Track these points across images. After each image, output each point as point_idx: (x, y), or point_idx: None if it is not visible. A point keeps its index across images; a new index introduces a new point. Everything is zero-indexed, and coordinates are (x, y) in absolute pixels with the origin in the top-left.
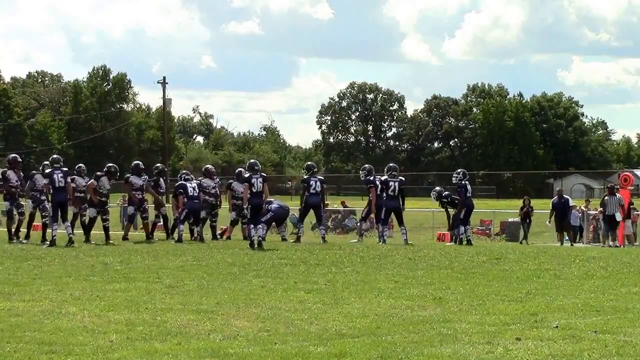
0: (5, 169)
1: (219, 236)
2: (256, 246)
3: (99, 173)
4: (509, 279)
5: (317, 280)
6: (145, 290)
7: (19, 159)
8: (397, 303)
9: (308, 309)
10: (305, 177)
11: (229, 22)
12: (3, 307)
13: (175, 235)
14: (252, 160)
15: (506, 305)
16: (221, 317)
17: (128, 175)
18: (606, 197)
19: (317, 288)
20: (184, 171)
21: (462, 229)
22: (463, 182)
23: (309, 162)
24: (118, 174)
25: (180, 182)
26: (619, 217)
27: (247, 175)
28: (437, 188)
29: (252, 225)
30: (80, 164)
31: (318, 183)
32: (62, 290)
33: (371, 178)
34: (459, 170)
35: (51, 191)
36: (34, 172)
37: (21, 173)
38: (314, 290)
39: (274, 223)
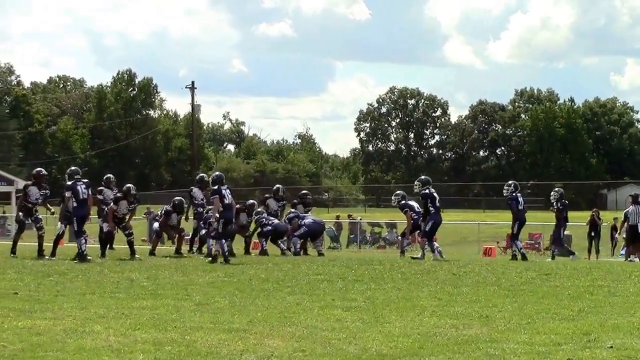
0: (29, 184)
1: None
2: (224, 261)
3: (119, 195)
4: (560, 296)
5: (356, 297)
6: (174, 308)
7: (44, 173)
8: (441, 322)
9: (346, 328)
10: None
11: (259, 23)
12: (24, 325)
13: (204, 249)
14: (218, 173)
15: (557, 324)
16: (254, 337)
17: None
18: (631, 207)
19: (356, 306)
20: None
21: (518, 244)
22: (514, 194)
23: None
24: (137, 194)
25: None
26: None
27: (215, 187)
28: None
29: (222, 241)
30: (109, 175)
31: None
32: (86, 307)
33: (403, 202)
34: (510, 182)
35: (74, 204)
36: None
37: (47, 190)
38: (352, 308)
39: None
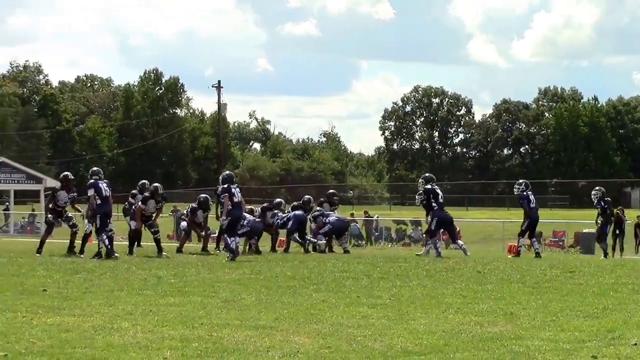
0: (57, 188)
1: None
2: (230, 258)
3: (146, 194)
4: (584, 293)
5: (381, 294)
6: (201, 305)
7: (71, 177)
8: (466, 319)
9: (372, 325)
10: None
11: (285, 23)
12: (53, 322)
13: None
14: (228, 172)
15: (581, 321)
16: (280, 334)
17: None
18: None
19: (381, 303)
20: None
21: (521, 240)
22: (525, 193)
23: None
24: (164, 193)
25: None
26: None
27: (225, 186)
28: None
29: (232, 238)
30: (144, 180)
31: None
32: (114, 304)
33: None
34: (520, 180)
35: (98, 201)
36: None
37: (75, 193)
38: (377, 305)
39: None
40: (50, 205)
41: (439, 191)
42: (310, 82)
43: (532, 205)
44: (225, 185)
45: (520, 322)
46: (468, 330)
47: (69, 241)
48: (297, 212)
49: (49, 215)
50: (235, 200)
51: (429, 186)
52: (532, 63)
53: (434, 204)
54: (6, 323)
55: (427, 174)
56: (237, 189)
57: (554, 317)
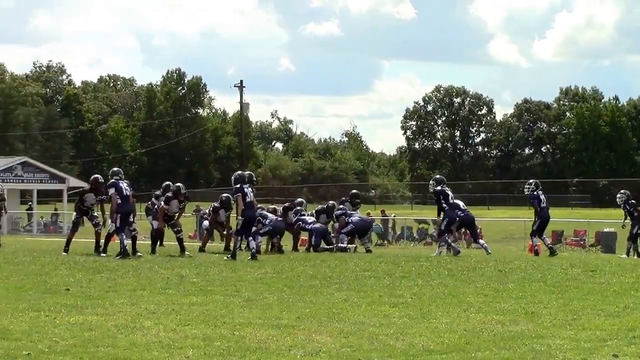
0: (86, 190)
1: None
2: (231, 257)
3: (169, 195)
4: (605, 292)
5: (403, 293)
6: (223, 304)
7: (101, 180)
8: (487, 318)
9: (393, 324)
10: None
11: (307, 23)
12: (76, 321)
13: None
14: (240, 172)
15: (602, 320)
16: (302, 332)
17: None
18: None
19: (403, 302)
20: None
21: (534, 240)
22: (535, 192)
23: None
24: (186, 193)
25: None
26: None
27: (237, 186)
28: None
29: (250, 238)
30: (168, 182)
31: None
32: (137, 303)
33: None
34: (531, 180)
35: (118, 200)
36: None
37: (103, 196)
38: (399, 304)
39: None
40: (77, 204)
41: (449, 192)
42: (332, 82)
43: (543, 204)
44: (238, 185)
45: (542, 321)
46: (489, 329)
47: (94, 241)
48: (315, 225)
49: (75, 214)
50: (248, 200)
51: (439, 188)
52: (553, 63)
53: (444, 205)
54: (29, 322)
55: (437, 176)
56: (250, 189)
57: (575, 316)
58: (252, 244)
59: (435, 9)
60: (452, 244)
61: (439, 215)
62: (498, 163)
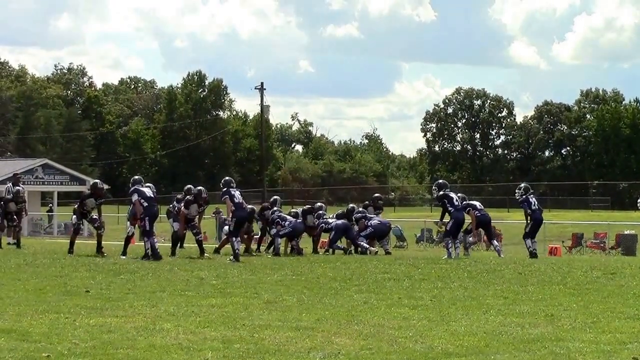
0: (86, 195)
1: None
2: (234, 259)
3: (189, 198)
4: (626, 295)
5: (422, 295)
6: (243, 306)
7: (100, 186)
8: (507, 320)
9: (413, 326)
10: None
11: (327, 25)
12: (95, 323)
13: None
14: (228, 177)
15: (622, 323)
16: (321, 335)
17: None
18: None
19: (423, 304)
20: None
21: (528, 242)
22: (525, 196)
23: None
24: (206, 197)
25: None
26: None
27: (224, 189)
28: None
29: (235, 239)
30: (190, 185)
31: None
32: (156, 305)
33: (465, 202)
34: (521, 185)
35: (144, 204)
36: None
37: (102, 199)
38: (419, 307)
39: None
40: (78, 208)
41: (452, 195)
42: (352, 84)
43: (534, 207)
44: (225, 189)
45: (561, 323)
46: (509, 331)
47: (96, 242)
48: (338, 222)
49: (73, 217)
50: (237, 201)
51: (441, 192)
52: (573, 65)
53: (450, 208)
54: (49, 324)
55: (440, 181)
56: (237, 192)
57: (595, 319)
58: (236, 245)
59: (455, 11)
60: (468, 247)
61: (441, 219)
62: (518, 165)
